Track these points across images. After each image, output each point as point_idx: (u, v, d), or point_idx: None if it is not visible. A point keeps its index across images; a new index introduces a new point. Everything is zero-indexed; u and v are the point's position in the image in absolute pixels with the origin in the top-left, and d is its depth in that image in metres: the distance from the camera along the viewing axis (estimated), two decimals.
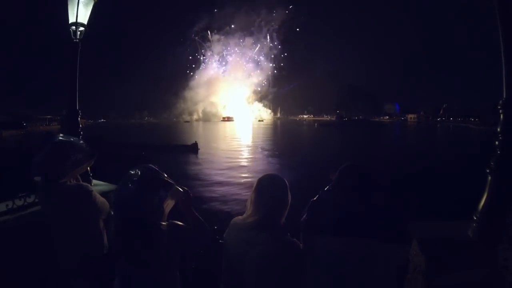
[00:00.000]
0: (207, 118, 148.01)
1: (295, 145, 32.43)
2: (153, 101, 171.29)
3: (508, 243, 1.33)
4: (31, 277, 2.00)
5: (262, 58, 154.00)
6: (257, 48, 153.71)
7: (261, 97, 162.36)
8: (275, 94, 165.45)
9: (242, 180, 14.17)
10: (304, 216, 1.38)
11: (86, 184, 1.86)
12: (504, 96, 1.51)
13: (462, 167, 14.52)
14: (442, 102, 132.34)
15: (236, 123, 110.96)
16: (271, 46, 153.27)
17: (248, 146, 31.10)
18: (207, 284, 2.26)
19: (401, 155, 23.27)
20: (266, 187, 1.37)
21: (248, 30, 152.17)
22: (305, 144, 36.08)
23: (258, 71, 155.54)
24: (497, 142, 1.53)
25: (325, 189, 1.40)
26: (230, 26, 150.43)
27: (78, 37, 2.73)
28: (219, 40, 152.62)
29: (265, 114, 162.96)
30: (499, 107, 1.52)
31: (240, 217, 1.44)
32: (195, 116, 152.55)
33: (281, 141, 39.31)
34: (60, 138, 1.79)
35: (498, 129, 1.52)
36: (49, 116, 79.53)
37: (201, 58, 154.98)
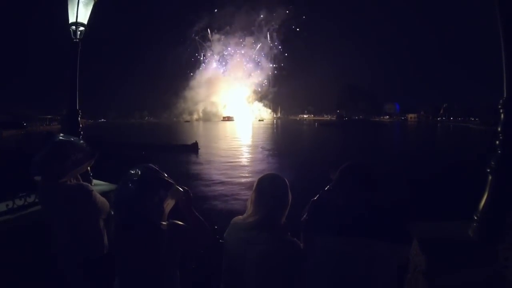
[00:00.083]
0: (207, 118, 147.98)
1: (296, 145, 32.40)
2: (153, 101, 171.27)
3: (508, 242, 1.33)
4: (31, 277, 2.00)
5: (262, 57, 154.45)
6: (257, 48, 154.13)
7: (261, 96, 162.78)
8: (275, 93, 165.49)
9: (243, 180, 14.20)
10: (304, 216, 1.37)
11: (86, 183, 1.86)
12: (504, 96, 1.51)
13: (462, 167, 14.51)
14: (442, 102, 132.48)
15: (236, 123, 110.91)
16: (271, 46, 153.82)
17: (248, 146, 31.12)
18: (207, 284, 2.26)
19: (401, 156, 23.24)
20: (266, 187, 1.36)
21: (248, 30, 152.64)
22: (306, 143, 36.07)
23: (258, 71, 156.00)
24: (497, 142, 1.53)
25: (326, 188, 1.40)
26: (230, 26, 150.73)
27: (78, 37, 2.73)
28: (219, 40, 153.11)
29: (265, 113, 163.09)
30: (499, 106, 1.52)
31: (240, 216, 1.44)
32: (195, 116, 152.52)
33: (282, 140, 39.29)
34: (61, 137, 1.79)
35: (499, 129, 1.52)
36: (49, 116, 79.27)
37: (201, 58, 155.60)
